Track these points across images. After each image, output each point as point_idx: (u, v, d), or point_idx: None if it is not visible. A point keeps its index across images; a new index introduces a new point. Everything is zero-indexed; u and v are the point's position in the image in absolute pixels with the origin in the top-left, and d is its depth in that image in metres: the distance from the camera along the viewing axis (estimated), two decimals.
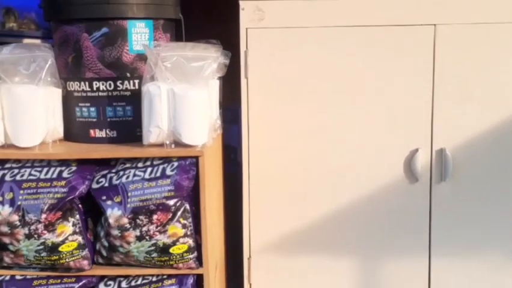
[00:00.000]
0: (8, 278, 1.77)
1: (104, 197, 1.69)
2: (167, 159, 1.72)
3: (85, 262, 1.73)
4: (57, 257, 1.70)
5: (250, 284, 2.17)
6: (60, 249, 1.69)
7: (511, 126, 2.04)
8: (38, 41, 2.53)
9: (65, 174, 1.72)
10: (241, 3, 2.03)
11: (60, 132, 1.89)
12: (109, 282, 1.77)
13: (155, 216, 1.67)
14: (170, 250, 1.69)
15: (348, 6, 2.02)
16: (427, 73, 2.02)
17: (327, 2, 2.03)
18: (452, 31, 2.00)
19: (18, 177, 1.72)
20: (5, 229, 1.68)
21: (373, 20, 2.02)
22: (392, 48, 2.03)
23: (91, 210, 1.77)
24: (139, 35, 1.85)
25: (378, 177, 2.09)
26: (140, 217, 1.67)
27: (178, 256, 1.70)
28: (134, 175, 1.71)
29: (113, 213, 1.67)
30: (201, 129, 1.74)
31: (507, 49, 2.01)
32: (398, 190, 2.09)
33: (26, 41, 2.49)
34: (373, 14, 2.02)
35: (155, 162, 1.73)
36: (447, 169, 2.04)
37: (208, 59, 1.78)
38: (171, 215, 1.68)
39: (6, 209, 1.68)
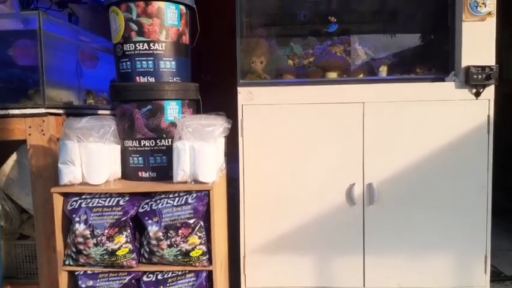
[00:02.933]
0: (82, 272, 1.71)
1: (146, 218, 1.65)
2: (189, 192, 1.68)
3: (133, 262, 1.67)
4: (115, 259, 1.64)
5: (245, 275, 2.10)
6: (117, 253, 1.63)
7: (415, 167, 2.02)
8: (108, 112, 2.50)
9: (121, 202, 1.68)
10: (239, 89, 2.03)
11: (119, 173, 1.86)
12: (149, 275, 1.71)
13: (180, 231, 1.63)
14: (190, 254, 1.64)
15: (309, 91, 2.03)
16: (359, 133, 2.01)
17: (291, 88, 2.04)
18: (374, 106, 2.00)
19: (90, 205, 1.67)
20: (81, 240, 1.63)
21: (325, 99, 2.02)
22: (337, 117, 2.02)
23: (138, 226, 1.72)
24: (172, 110, 1.83)
25: (330, 201, 2.05)
26: (170, 231, 1.63)
27: (195, 258, 1.65)
28: (167, 203, 1.66)
29: (152, 229, 1.63)
30: (211, 171, 1.71)
31: (410, 117, 2.00)
32: (342, 210, 2.05)
33: (101, 111, 2.47)
34: (326, 95, 2.02)
35: (181, 194, 1.68)
36: (374, 196, 2.01)
37: (216, 125, 1.76)
38: (191, 230, 1.63)
39: (82, 226, 1.64)
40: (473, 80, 1.95)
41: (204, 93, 2.00)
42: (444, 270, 2.04)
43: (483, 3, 1.94)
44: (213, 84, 3.41)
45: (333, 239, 2.06)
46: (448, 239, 2.04)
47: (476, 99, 1.99)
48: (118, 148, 1.82)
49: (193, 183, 1.69)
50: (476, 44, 1.97)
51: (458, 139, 2.01)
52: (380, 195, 2.01)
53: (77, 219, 1.65)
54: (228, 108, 2.00)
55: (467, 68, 1.95)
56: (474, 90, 1.99)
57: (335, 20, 2.25)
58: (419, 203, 2.03)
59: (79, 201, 1.69)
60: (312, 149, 2.04)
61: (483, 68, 1.94)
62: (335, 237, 2.06)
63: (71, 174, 1.70)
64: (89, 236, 1.63)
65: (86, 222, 1.64)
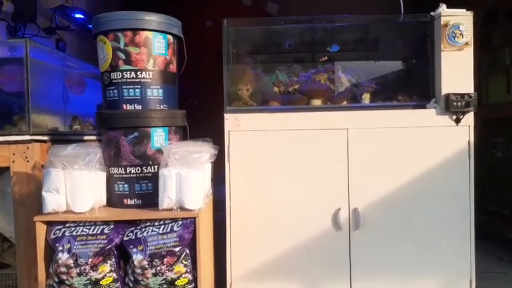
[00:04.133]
0: None
1: (131, 246, 1.63)
2: (174, 219, 1.67)
3: None
4: None
5: None
6: (101, 282, 1.61)
7: (399, 192, 2.05)
8: (94, 137, 2.50)
9: (105, 231, 1.66)
10: (225, 115, 2.06)
11: (104, 201, 1.83)
12: None
13: (165, 259, 1.61)
14: (176, 283, 1.62)
15: (294, 118, 2.06)
16: (344, 159, 2.04)
17: (277, 115, 2.07)
18: (358, 132, 2.04)
19: (74, 233, 1.65)
20: (64, 269, 1.61)
21: (310, 125, 2.05)
22: (322, 143, 2.05)
23: (123, 255, 1.70)
24: (158, 137, 1.84)
25: (317, 227, 2.06)
26: (156, 260, 1.61)
27: (181, 287, 1.62)
28: (152, 230, 1.65)
29: (137, 258, 1.61)
30: (197, 198, 1.71)
31: (393, 143, 2.05)
32: (329, 235, 2.05)
33: (87, 137, 2.47)
34: (310, 122, 2.05)
35: (166, 221, 1.67)
36: (359, 221, 2.03)
37: (203, 152, 1.77)
38: (176, 258, 1.62)
39: (65, 255, 1.61)
40: (453, 107, 2.01)
41: (191, 118, 2.02)
42: None
43: (460, 34, 2.02)
44: (200, 109, 3.45)
45: (320, 265, 2.06)
46: (433, 262, 2.06)
47: (457, 125, 2.05)
48: (103, 175, 1.81)
49: (178, 210, 1.68)
50: (455, 72, 2.04)
51: (441, 164, 2.06)
52: (365, 220, 2.03)
53: (61, 248, 1.62)
54: (216, 135, 2.02)
55: (447, 96, 2.02)
56: (454, 117, 2.05)
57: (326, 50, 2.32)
58: (403, 227, 2.05)
59: (63, 230, 1.67)
60: (298, 174, 2.06)
61: (462, 95, 2.01)
62: (322, 262, 2.06)
63: (55, 202, 1.69)
64: (72, 265, 1.60)
65: (69, 251, 1.62)
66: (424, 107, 2.08)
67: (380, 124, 2.04)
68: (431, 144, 2.04)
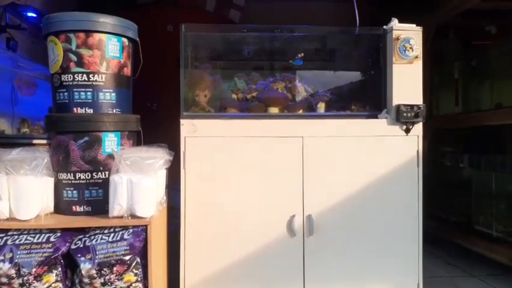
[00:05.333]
0: None
1: (79, 255, 1.58)
2: (125, 227, 1.64)
3: None
4: None
5: None
6: None
7: (351, 199, 2.10)
8: (44, 141, 2.40)
9: (52, 239, 1.60)
10: (181, 121, 2.04)
11: (51, 207, 1.76)
12: None
13: (115, 268, 1.57)
14: None
15: (251, 125, 2.07)
16: (299, 166, 2.07)
17: (234, 121, 2.07)
18: (313, 140, 2.08)
19: (17, 242, 1.58)
20: (4, 280, 1.53)
21: (267, 133, 2.06)
22: (278, 150, 2.06)
23: (70, 264, 1.64)
24: (110, 142, 1.80)
25: (272, 233, 2.07)
26: (104, 269, 1.56)
27: None
28: (101, 238, 1.61)
29: (85, 267, 1.56)
30: (149, 205, 1.69)
31: (346, 151, 2.10)
32: (283, 241, 2.07)
33: (36, 141, 2.37)
34: (267, 129, 2.06)
35: (116, 229, 1.64)
36: (313, 227, 2.06)
37: (157, 158, 1.75)
38: (127, 266, 1.58)
39: (6, 265, 1.54)
40: (403, 118, 2.10)
41: (150, 122, 1.98)
42: None
43: (411, 48, 2.12)
44: (159, 113, 3.39)
45: (275, 270, 2.07)
46: (384, 267, 2.12)
47: (407, 135, 2.14)
48: (51, 181, 1.75)
49: (129, 218, 1.65)
50: (405, 84, 2.13)
51: (391, 172, 2.13)
52: (318, 226, 2.07)
53: (2, 257, 1.55)
54: (171, 141, 2.00)
55: (398, 106, 2.10)
56: (404, 127, 2.14)
57: (302, 55, 2.35)
58: (355, 233, 2.10)
59: (5, 238, 1.59)
60: (254, 181, 2.07)
61: (412, 106, 2.10)
62: (277, 268, 2.07)
63: None
64: (14, 275, 1.53)
65: (11, 260, 1.55)
66: (376, 117, 2.15)
67: (334, 133, 2.09)
68: (382, 152, 2.12)
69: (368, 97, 2.31)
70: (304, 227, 2.07)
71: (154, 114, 2.05)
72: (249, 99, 2.27)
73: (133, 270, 1.60)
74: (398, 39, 2.11)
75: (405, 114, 2.10)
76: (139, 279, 1.61)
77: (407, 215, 2.13)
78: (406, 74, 2.13)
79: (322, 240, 2.08)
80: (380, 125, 2.13)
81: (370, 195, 2.11)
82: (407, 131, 2.14)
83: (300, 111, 2.24)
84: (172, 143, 2.00)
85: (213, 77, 2.30)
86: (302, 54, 2.34)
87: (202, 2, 4.55)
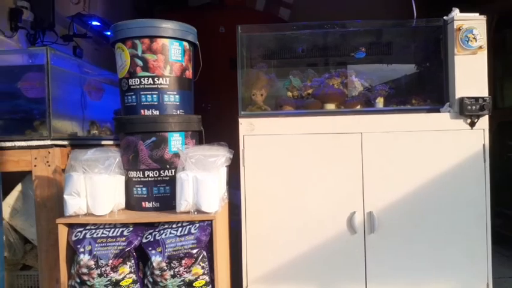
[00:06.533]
0: None
1: (150, 248, 1.68)
2: (192, 222, 1.72)
3: None
4: None
5: None
6: (121, 283, 1.67)
7: (414, 196, 2.06)
8: (111, 142, 2.57)
9: (125, 233, 1.71)
10: (240, 120, 2.10)
11: (123, 204, 1.89)
12: None
13: (183, 261, 1.66)
14: (194, 284, 1.67)
15: (308, 122, 2.09)
16: (359, 163, 2.07)
17: (291, 119, 2.11)
18: (372, 136, 2.07)
19: (94, 235, 1.71)
20: (85, 270, 1.66)
21: (324, 129, 2.08)
22: (336, 146, 2.07)
23: (141, 256, 1.75)
24: (175, 141, 1.89)
25: (332, 230, 2.09)
26: (174, 262, 1.66)
27: None
28: (170, 233, 1.70)
29: (156, 259, 1.66)
30: (214, 201, 1.75)
31: (407, 147, 2.07)
32: (344, 239, 2.08)
33: (104, 142, 2.53)
34: (324, 126, 2.08)
35: (184, 224, 1.73)
36: (374, 225, 2.05)
37: (219, 156, 1.82)
38: (194, 259, 1.67)
39: (86, 257, 1.67)
40: (467, 111, 2.03)
41: (204, 122, 2.06)
42: None
43: (474, 38, 2.04)
44: (213, 114, 3.50)
45: (335, 268, 2.08)
46: (449, 266, 2.07)
47: (471, 129, 2.07)
48: (122, 179, 1.87)
49: (196, 213, 1.73)
50: (469, 76, 2.06)
51: (455, 168, 2.07)
52: (380, 224, 2.05)
53: (82, 249, 1.68)
54: (231, 140, 2.07)
55: (461, 100, 2.03)
56: (469, 121, 2.06)
57: (364, 49, 2.34)
58: (418, 231, 2.07)
59: (84, 232, 1.72)
60: (313, 178, 2.09)
61: (476, 99, 2.03)
62: (337, 265, 2.08)
63: (76, 205, 1.75)
64: (93, 266, 1.66)
65: (90, 252, 1.67)
66: (438, 111, 2.10)
67: (394, 128, 2.06)
68: (445, 147, 2.06)
69: (428, 90, 2.25)
70: (365, 224, 2.06)
71: (208, 115, 2.12)
72: (305, 97, 2.29)
73: (200, 263, 1.68)
74: (459, 29, 2.04)
75: (469, 107, 2.03)
76: (205, 271, 1.68)
77: (473, 212, 2.06)
78: (469, 65, 2.06)
79: (384, 237, 2.06)
80: (442, 119, 2.07)
81: (433, 192, 2.06)
82: (472, 124, 2.07)
83: (358, 107, 2.23)
84: (227, 143, 2.06)
85: (269, 76, 2.34)
86: (363, 48, 2.32)
87: (251, 1, 4.62)
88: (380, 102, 2.24)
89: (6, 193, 2.03)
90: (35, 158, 2.00)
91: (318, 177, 2.08)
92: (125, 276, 1.67)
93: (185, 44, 1.96)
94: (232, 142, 2.07)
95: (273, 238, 2.10)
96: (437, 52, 2.19)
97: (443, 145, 2.06)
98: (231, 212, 2.21)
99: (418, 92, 2.27)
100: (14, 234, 2.06)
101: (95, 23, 3.31)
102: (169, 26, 1.89)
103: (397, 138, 2.06)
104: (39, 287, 2.00)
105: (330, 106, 2.22)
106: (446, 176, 2.06)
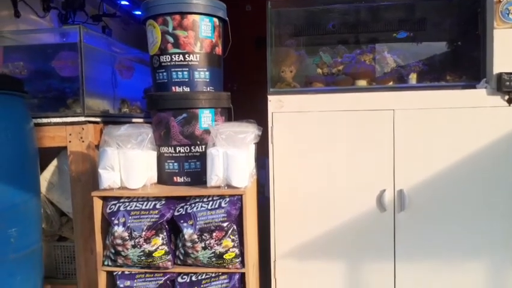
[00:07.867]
0: (120, 273, 1.81)
1: (182, 221, 1.74)
2: (222, 196, 1.76)
3: (169, 263, 1.76)
4: (151, 260, 1.74)
5: (276, 279, 2.15)
6: (154, 254, 1.73)
7: (446, 174, 2.03)
8: (141, 120, 2.63)
9: (157, 206, 1.77)
10: (269, 97, 2.10)
11: (155, 178, 1.96)
12: (184, 277, 1.80)
13: (214, 234, 1.71)
14: (224, 256, 1.72)
15: (339, 98, 2.07)
16: (390, 140, 2.04)
17: (321, 96, 2.09)
18: (405, 113, 2.03)
19: (128, 208, 1.77)
20: (119, 241, 1.73)
21: (355, 106, 2.05)
22: (367, 123, 2.05)
23: (174, 229, 1.81)
24: (206, 118, 1.93)
25: (361, 207, 2.08)
26: (205, 234, 1.71)
27: (229, 260, 1.73)
28: (201, 206, 1.75)
29: (188, 232, 1.71)
30: (243, 176, 1.79)
31: (440, 124, 2.03)
32: (373, 216, 2.08)
33: (135, 120, 2.60)
34: (355, 103, 2.05)
35: (214, 198, 1.77)
36: (404, 203, 2.03)
37: (248, 132, 1.84)
38: (224, 233, 1.71)
39: (121, 228, 1.74)
40: (505, 87, 1.96)
41: (231, 101, 2.09)
42: (479, 278, 2.04)
43: None
44: (239, 93, 3.51)
45: (363, 245, 2.09)
46: (483, 248, 2.03)
47: (509, 105, 2.00)
48: (154, 154, 1.93)
49: (226, 188, 1.77)
50: (508, 50, 1.98)
51: (491, 146, 2.02)
52: (410, 202, 2.04)
53: (116, 221, 1.75)
54: (260, 117, 2.08)
55: (499, 75, 1.97)
56: (506, 97, 2.00)
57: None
58: (451, 210, 2.04)
59: (118, 205, 1.79)
60: (341, 155, 2.08)
61: None
62: (365, 243, 2.09)
63: (110, 179, 1.81)
64: (127, 238, 1.73)
65: (124, 224, 1.74)
66: (474, 87, 2.04)
67: (428, 105, 2.02)
68: (481, 125, 2.01)
69: (463, 66, 2.19)
70: (395, 202, 2.05)
71: (235, 94, 2.13)
72: (335, 73, 2.27)
73: (230, 236, 1.72)
74: (500, 1, 1.96)
75: (508, 83, 1.96)
76: (235, 244, 1.73)
77: (509, 190, 2.01)
78: (509, 39, 1.98)
79: (414, 216, 2.05)
80: (478, 96, 2.01)
81: (467, 171, 2.02)
82: (510, 101, 2.00)
83: (390, 83, 2.19)
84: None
85: (298, 53, 2.33)
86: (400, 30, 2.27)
87: None
88: (413, 78, 2.19)
89: (42, 168, 2.12)
90: (70, 134, 2.07)
91: (348, 154, 2.07)
92: (157, 248, 1.73)
93: (215, 20, 1.97)
94: (258, 123, 2.08)
95: (301, 215, 2.12)
96: (473, 26, 2.12)
97: (478, 122, 2.01)
98: (258, 189, 2.24)
99: (453, 68, 2.20)
100: (50, 207, 2.16)
101: (124, 2, 3.35)
102: (199, 2, 1.91)
103: (431, 115, 2.02)
104: (75, 257, 2.11)
105: (362, 83, 2.19)
106: (481, 154, 2.01)
